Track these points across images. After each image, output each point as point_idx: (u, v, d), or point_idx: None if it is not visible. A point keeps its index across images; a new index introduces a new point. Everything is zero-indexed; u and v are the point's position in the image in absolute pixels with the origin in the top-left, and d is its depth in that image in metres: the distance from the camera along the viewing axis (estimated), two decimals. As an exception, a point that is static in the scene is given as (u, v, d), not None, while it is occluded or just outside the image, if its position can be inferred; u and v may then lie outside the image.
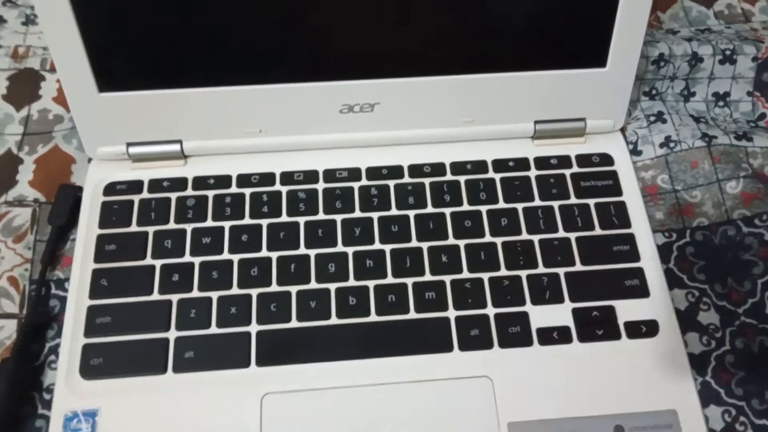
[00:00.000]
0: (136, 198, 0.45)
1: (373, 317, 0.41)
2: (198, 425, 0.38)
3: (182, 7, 0.40)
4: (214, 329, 0.41)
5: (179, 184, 0.45)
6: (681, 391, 0.39)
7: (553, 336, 0.41)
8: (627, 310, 0.42)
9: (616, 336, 0.41)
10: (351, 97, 0.44)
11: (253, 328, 0.41)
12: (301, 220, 0.44)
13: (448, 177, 0.46)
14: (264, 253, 0.43)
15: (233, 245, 0.43)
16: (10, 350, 0.41)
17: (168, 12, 0.40)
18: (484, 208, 0.45)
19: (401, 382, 0.39)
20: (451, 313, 0.41)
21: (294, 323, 0.41)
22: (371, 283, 0.42)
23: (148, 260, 0.43)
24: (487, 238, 0.44)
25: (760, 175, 0.46)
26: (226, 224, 0.44)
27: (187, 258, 0.43)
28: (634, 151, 0.48)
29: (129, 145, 0.45)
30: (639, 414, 0.39)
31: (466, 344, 0.40)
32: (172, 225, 0.44)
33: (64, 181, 0.47)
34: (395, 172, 0.46)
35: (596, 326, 0.41)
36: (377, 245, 0.43)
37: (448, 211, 0.44)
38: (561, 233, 0.44)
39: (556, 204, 0.45)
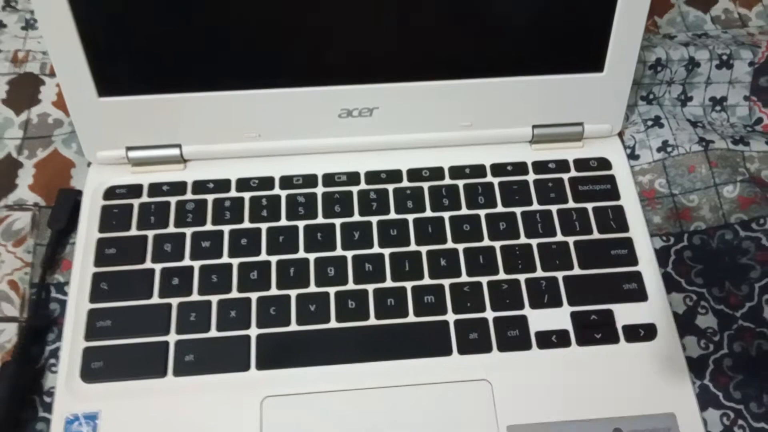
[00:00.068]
0: (135, 202, 0.45)
1: (373, 321, 0.41)
2: (198, 428, 0.38)
3: (182, 12, 0.40)
4: (213, 332, 0.41)
5: (179, 188, 0.45)
6: (679, 395, 0.40)
7: (552, 339, 0.41)
8: (625, 313, 0.42)
9: (614, 340, 0.41)
10: (350, 102, 0.44)
11: (253, 331, 0.41)
12: (301, 224, 0.44)
13: (447, 181, 0.46)
14: (263, 256, 0.43)
15: (233, 249, 0.43)
16: (10, 353, 0.41)
17: (167, 17, 0.40)
18: (482, 212, 0.45)
19: (400, 385, 0.39)
20: (450, 317, 0.41)
21: (293, 327, 0.41)
22: (370, 287, 0.42)
23: (148, 264, 0.43)
24: (486, 242, 0.44)
25: (757, 180, 0.47)
26: (226, 228, 0.44)
27: (187, 262, 0.43)
28: (632, 156, 0.48)
29: (128, 149, 0.45)
30: (637, 417, 0.39)
31: (465, 348, 0.41)
32: (171, 229, 0.44)
33: (64, 185, 0.47)
34: (394, 176, 0.46)
35: (595, 330, 0.41)
36: (376, 249, 0.43)
37: (446, 215, 0.45)
38: (559, 237, 0.44)
39: (554, 208, 0.45)
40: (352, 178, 0.46)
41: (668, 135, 0.48)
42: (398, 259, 0.43)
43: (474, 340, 0.41)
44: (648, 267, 0.43)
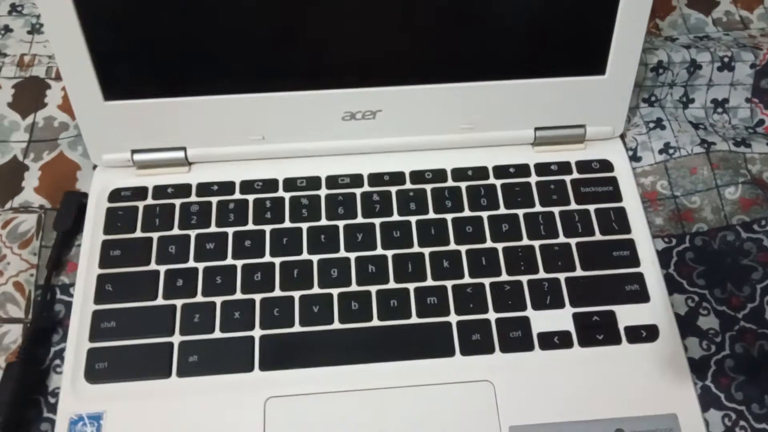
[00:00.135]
0: (140, 204, 0.45)
1: (376, 322, 0.41)
2: (201, 429, 0.38)
3: (187, 17, 0.40)
4: (217, 334, 0.41)
5: (183, 190, 0.46)
6: (681, 396, 0.40)
7: (554, 341, 0.41)
8: (627, 314, 0.42)
9: (616, 341, 0.41)
10: (353, 105, 0.45)
11: (257, 332, 0.41)
12: (304, 225, 0.44)
13: (450, 183, 0.46)
14: (267, 258, 0.43)
15: (237, 251, 0.43)
16: (16, 354, 0.41)
17: (173, 21, 0.41)
18: (485, 214, 0.45)
19: (403, 386, 0.40)
20: (453, 318, 0.42)
21: (297, 328, 0.41)
22: (373, 289, 0.42)
23: (153, 266, 0.43)
24: (488, 243, 0.44)
25: (759, 181, 0.47)
26: (230, 230, 0.44)
27: (191, 263, 0.43)
28: (634, 158, 0.48)
29: (134, 152, 0.45)
30: (639, 418, 0.39)
31: (467, 349, 0.41)
32: (176, 231, 0.44)
33: (69, 188, 0.47)
34: (397, 178, 0.46)
35: (597, 331, 0.41)
36: (379, 251, 0.44)
37: (449, 216, 0.45)
38: (561, 239, 0.44)
39: (556, 210, 0.45)
40: (356, 180, 0.46)
41: (670, 137, 0.49)
42: (401, 261, 0.43)
43: (477, 341, 0.41)
44: (650, 268, 0.43)
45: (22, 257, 0.45)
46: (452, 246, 0.44)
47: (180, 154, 0.46)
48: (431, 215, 0.45)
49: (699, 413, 0.39)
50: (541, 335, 0.41)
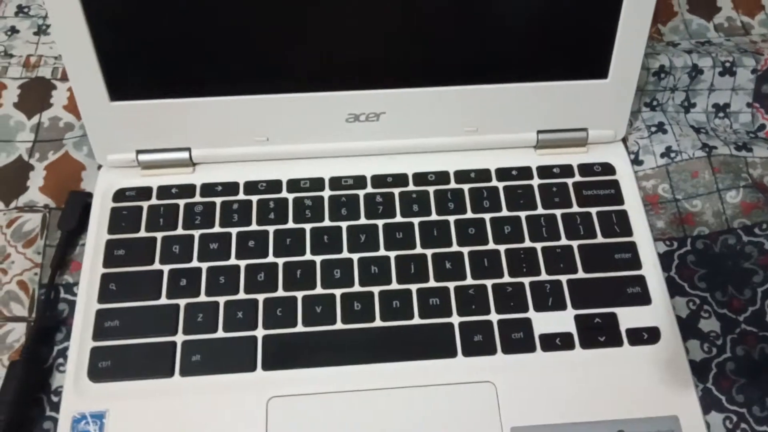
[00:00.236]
0: (145, 204, 0.45)
1: (378, 323, 0.41)
2: (204, 428, 0.38)
3: (192, 19, 0.41)
4: (220, 333, 0.41)
5: (187, 190, 0.46)
6: (682, 398, 0.40)
7: (556, 342, 0.41)
8: (629, 317, 0.42)
9: (618, 343, 0.41)
10: (357, 107, 0.45)
11: (260, 332, 0.41)
12: (307, 226, 0.45)
13: (452, 185, 0.46)
14: (270, 258, 0.43)
15: (240, 251, 0.44)
16: (19, 353, 0.41)
17: (179, 23, 0.41)
18: (487, 216, 0.45)
19: (405, 386, 0.40)
20: (455, 319, 0.42)
21: (300, 328, 0.41)
22: (376, 289, 0.42)
23: (157, 265, 0.43)
24: (491, 245, 0.44)
25: (760, 185, 0.47)
26: (234, 230, 0.44)
27: (195, 263, 0.43)
28: (636, 161, 0.49)
29: (139, 152, 0.46)
30: (640, 420, 0.39)
31: (469, 350, 0.41)
32: (180, 231, 0.44)
33: (74, 188, 0.47)
34: (400, 180, 0.46)
35: (598, 333, 0.42)
36: (382, 252, 0.44)
37: (452, 218, 0.45)
38: (563, 241, 0.44)
39: (558, 212, 0.45)
40: (359, 181, 0.46)
41: (672, 141, 0.49)
42: (404, 262, 0.43)
43: (478, 342, 0.41)
44: (651, 271, 0.44)
45: (27, 256, 0.45)
46: (455, 247, 0.44)
47: (185, 155, 0.46)
48: (434, 217, 0.45)
49: (700, 415, 0.39)
50: (542, 337, 0.41)
